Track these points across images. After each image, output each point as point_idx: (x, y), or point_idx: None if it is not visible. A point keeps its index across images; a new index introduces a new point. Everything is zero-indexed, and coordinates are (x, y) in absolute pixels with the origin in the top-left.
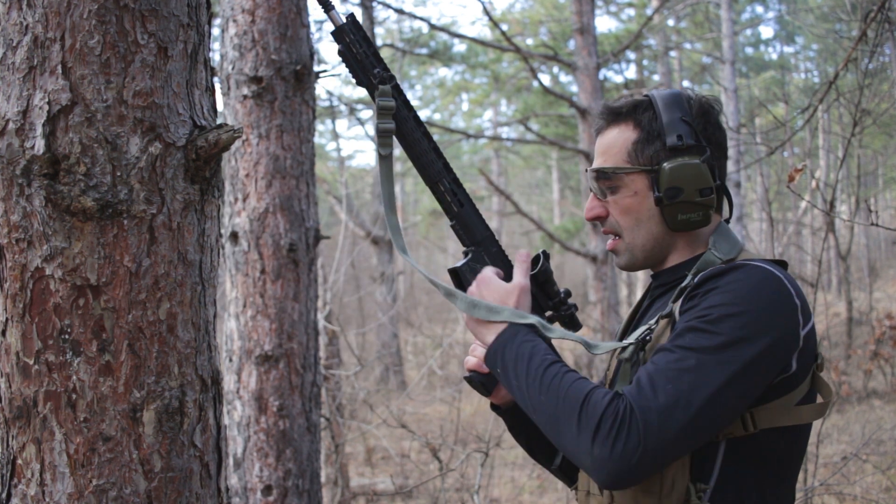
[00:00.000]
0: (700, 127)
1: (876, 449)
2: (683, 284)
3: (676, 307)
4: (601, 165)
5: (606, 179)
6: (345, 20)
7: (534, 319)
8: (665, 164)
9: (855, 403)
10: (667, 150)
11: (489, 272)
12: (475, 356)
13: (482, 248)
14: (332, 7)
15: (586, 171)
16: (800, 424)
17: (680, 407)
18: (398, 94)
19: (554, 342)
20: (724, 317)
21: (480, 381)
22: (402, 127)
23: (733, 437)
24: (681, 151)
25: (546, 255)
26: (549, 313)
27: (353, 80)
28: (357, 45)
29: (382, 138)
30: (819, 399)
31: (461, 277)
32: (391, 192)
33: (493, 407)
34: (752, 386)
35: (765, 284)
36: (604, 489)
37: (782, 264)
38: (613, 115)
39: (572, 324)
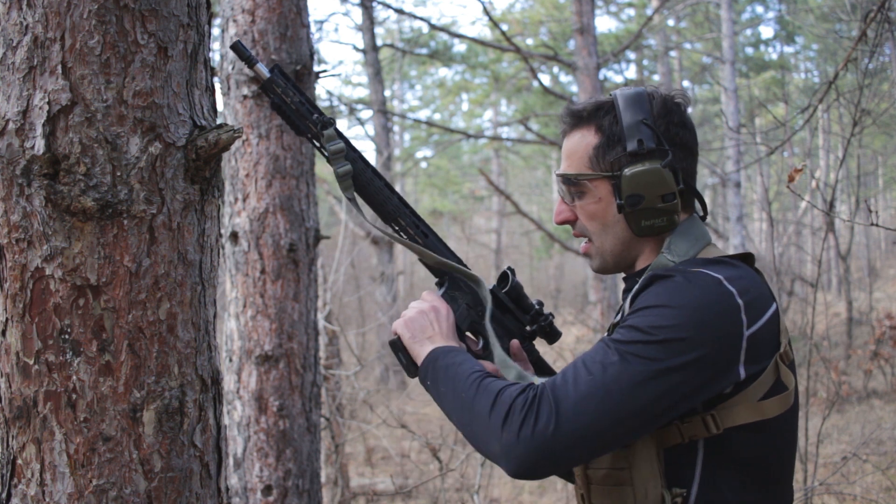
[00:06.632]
0: (662, 128)
1: (876, 449)
2: (634, 289)
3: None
4: (565, 171)
5: (572, 185)
6: (270, 73)
7: (538, 381)
8: (626, 171)
9: (855, 403)
10: (627, 156)
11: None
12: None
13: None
14: (256, 60)
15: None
16: (775, 422)
17: (597, 396)
18: (341, 136)
19: (556, 345)
20: (648, 313)
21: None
22: (352, 168)
23: (709, 439)
24: (641, 157)
25: (512, 272)
26: (529, 328)
27: (292, 131)
28: (289, 94)
29: (343, 181)
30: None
31: None
32: (375, 216)
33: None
34: (677, 385)
35: (698, 287)
36: (515, 478)
37: (747, 258)
38: (576, 119)
39: (552, 333)
